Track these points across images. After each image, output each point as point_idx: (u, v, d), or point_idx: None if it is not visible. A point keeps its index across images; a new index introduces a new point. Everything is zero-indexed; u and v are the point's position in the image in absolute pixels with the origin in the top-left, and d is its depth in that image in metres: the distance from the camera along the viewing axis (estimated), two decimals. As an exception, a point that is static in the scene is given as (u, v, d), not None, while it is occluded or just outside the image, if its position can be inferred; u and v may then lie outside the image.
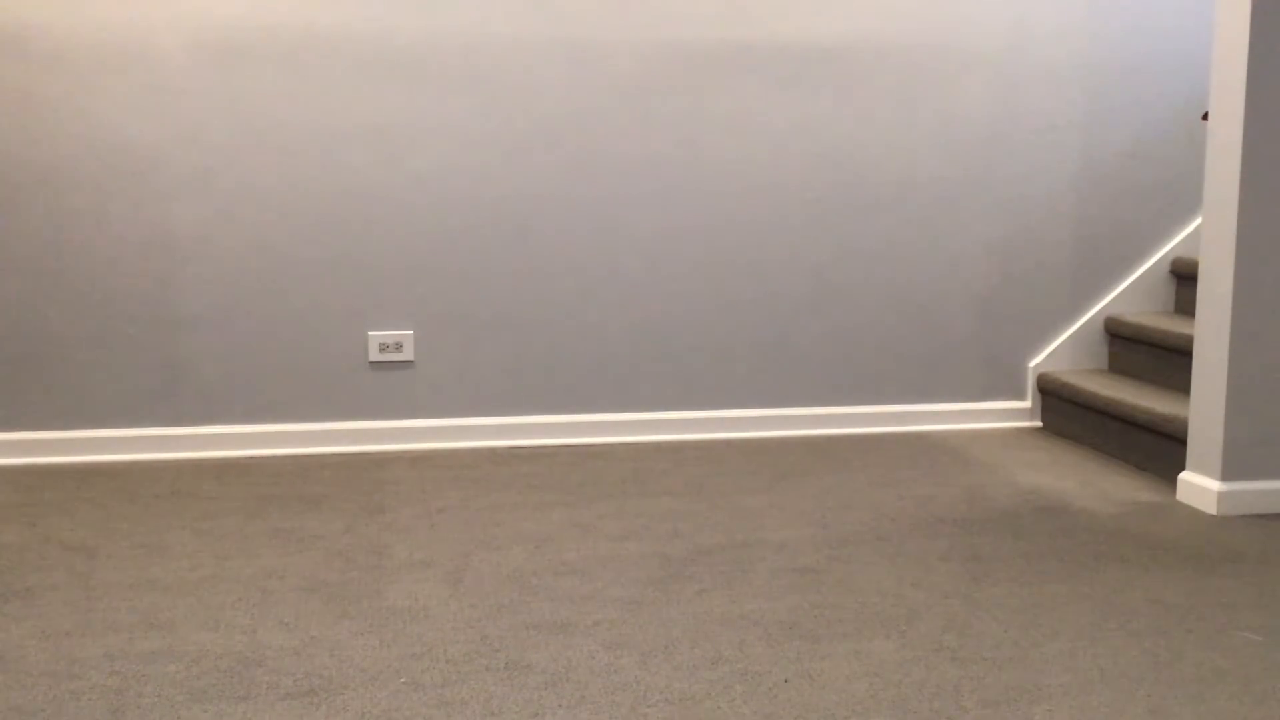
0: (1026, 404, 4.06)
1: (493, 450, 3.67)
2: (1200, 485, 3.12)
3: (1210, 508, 3.08)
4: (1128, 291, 4.06)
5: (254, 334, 3.57)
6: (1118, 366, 4.02)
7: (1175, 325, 3.75)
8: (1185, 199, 4.07)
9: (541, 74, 3.62)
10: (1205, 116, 3.19)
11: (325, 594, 2.45)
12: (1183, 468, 3.29)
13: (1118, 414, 3.59)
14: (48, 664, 2.11)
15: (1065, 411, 3.91)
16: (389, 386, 3.67)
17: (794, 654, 2.18)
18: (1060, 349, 4.05)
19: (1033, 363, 4.05)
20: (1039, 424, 4.06)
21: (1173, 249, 4.08)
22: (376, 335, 3.64)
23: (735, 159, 3.77)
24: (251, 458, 3.55)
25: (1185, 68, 3.99)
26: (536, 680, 2.06)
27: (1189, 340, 3.52)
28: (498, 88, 3.60)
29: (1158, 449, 3.43)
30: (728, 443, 3.78)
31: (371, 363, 3.65)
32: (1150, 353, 3.84)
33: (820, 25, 3.76)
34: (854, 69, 3.80)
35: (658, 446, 3.72)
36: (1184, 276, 4.02)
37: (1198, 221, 4.04)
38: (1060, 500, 3.18)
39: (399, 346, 3.65)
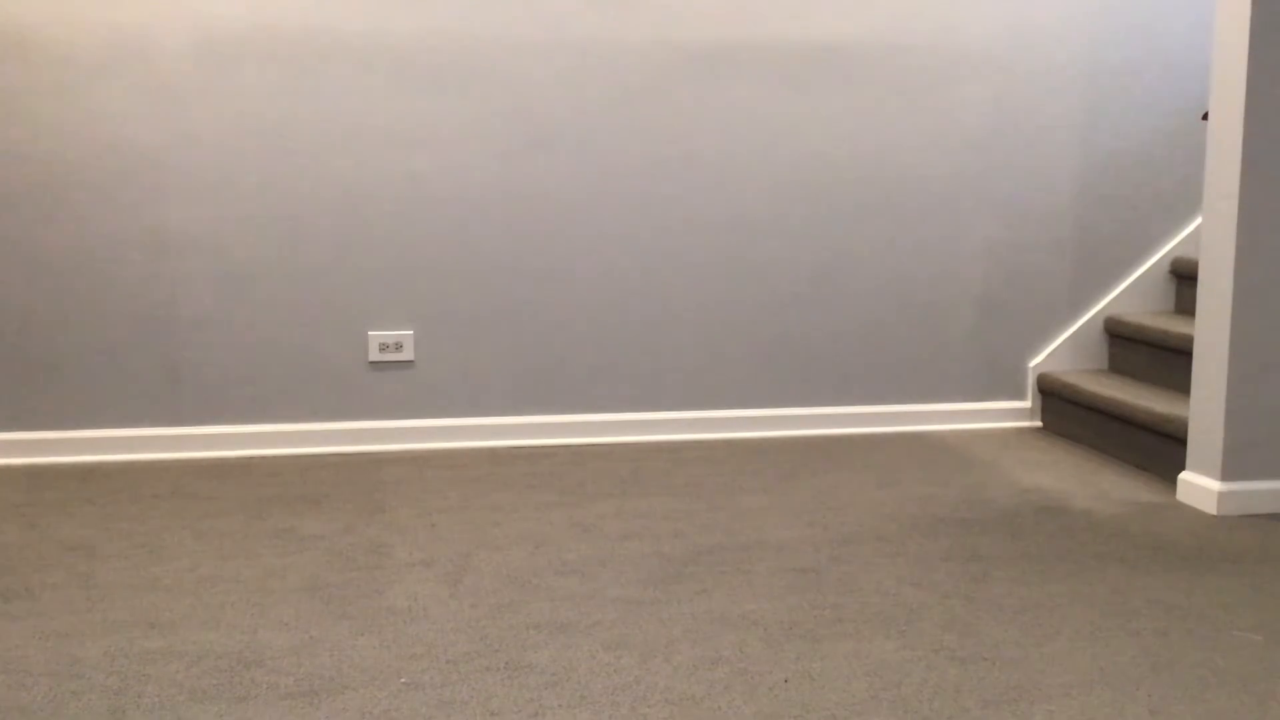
0: (1026, 404, 4.06)
1: (493, 450, 3.67)
2: (1200, 485, 3.12)
3: (1210, 508, 3.08)
4: (1128, 291, 4.06)
5: (254, 334, 3.57)
6: (1118, 366, 4.02)
7: (1175, 325, 3.75)
8: (1185, 199, 4.07)
9: (541, 74, 3.62)
10: (1205, 116, 3.19)
11: (325, 594, 2.45)
12: (1183, 468, 3.29)
13: (1118, 414, 3.59)
14: (48, 664, 2.11)
15: (1065, 411, 3.91)
16: (389, 386, 3.67)
17: (794, 654, 2.18)
18: (1060, 349, 4.05)
19: (1033, 363, 4.05)
20: (1039, 424, 4.06)
21: (1173, 249, 4.08)
22: (376, 335, 3.64)
23: (735, 159, 3.77)
24: (251, 458, 3.55)
25: (1185, 68, 3.99)
26: (536, 680, 2.06)
27: (1189, 340, 3.52)
28: (497, 88, 3.60)
29: (1158, 449, 3.43)
30: (728, 443, 3.78)
31: (371, 363, 3.65)
32: (1150, 353, 3.84)
33: (820, 25, 3.76)
34: (854, 69, 3.80)
35: (658, 446, 3.72)
36: (1184, 276, 4.02)
37: (1198, 221, 4.04)
38: (1060, 500, 3.18)
39: (399, 346, 3.65)
